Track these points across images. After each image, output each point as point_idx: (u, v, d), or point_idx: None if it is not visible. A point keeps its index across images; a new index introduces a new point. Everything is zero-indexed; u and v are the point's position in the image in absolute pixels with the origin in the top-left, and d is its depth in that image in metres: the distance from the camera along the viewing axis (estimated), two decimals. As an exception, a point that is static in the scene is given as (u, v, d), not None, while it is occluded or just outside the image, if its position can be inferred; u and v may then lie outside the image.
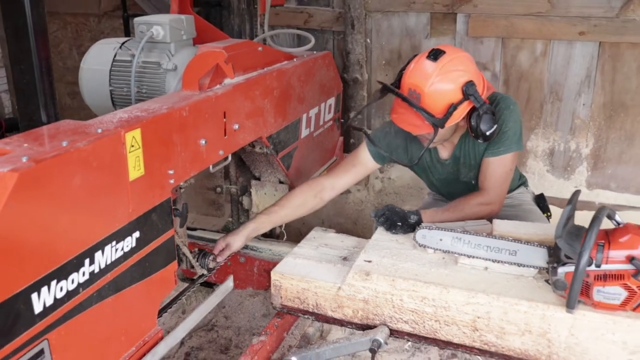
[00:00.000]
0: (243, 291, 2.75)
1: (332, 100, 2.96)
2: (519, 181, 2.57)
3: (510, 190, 2.49)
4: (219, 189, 2.89)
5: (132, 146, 1.50)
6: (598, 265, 1.61)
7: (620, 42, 3.26)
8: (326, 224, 3.67)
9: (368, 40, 3.75)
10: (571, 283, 1.62)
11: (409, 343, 1.91)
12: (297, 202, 2.35)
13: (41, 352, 1.27)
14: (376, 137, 2.32)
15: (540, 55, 3.45)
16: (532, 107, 3.56)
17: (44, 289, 1.27)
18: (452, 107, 1.98)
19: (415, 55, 2.09)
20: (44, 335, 1.29)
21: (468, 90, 1.98)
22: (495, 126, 2.03)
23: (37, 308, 1.26)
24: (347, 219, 3.74)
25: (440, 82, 1.98)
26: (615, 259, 1.60)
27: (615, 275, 1.60)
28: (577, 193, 1.80)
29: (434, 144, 2.15)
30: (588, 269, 1.62)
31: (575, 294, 1.62)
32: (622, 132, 3.44)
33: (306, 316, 2.02)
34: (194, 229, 2.78)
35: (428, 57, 2.01)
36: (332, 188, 2.38)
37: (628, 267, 1.58)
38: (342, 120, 3.27)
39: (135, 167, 1.51)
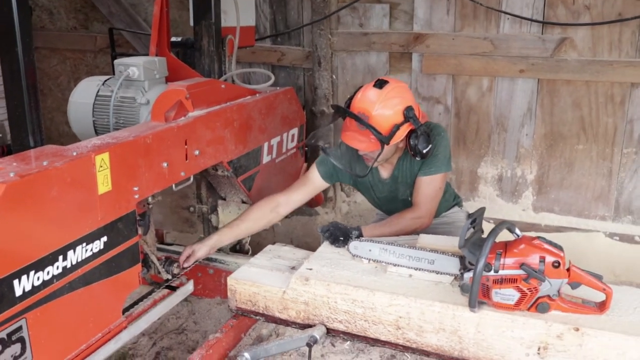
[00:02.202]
0: (212, 300, 2.98)
1: (294, 131, 3.21)
2: (454, 201, 2.78)
3: (446, 209, 2.71)
4: (192, 209, 3.11)
5: (101, 167, 1.78)
6: (496, 271, 1.80)
7: (556, 79, 3.44)
8: (295, 242, 3.82)
9: (334, 76, 3.94)
10: (471, 285, 1.84)
11: (348, 343, 2.06)
12: (255, 216, 2.55)
13: (20, 328, 1.54)
14: (331, 154, 2.49)
15: (486, 91, 3.65)
16: (481, 137, 3.75)
17: (24, 277, 1.54)
18: (396, 127, 2.24)
19: (360, 87, 2.36)
20: (22, 314, 1.56)
21: (408, 113, 2.26)
22: (430, 145, 2.30)
23: (18, 292, 1.53)
24: (314, 239, 3.84)
25: (385, 106, 2.24)
26: (510, 265, 1.80)
27: (509, 279, 1.80)
28: (481, 209, 2.04)
29: (377, 162, 2.38)
30: (488, 274, 1.81)
31: (475, 295, 1.82)
32: (562, 160, 3.61)
33: (257, 317, 2.16)
34: (171, 244, 3.06)
35: (374, 85, 2.29)
36: (286, 203, 2.58)
37: (520, 272, 1.79)
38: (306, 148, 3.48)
39: (103, 184, 1.79)
